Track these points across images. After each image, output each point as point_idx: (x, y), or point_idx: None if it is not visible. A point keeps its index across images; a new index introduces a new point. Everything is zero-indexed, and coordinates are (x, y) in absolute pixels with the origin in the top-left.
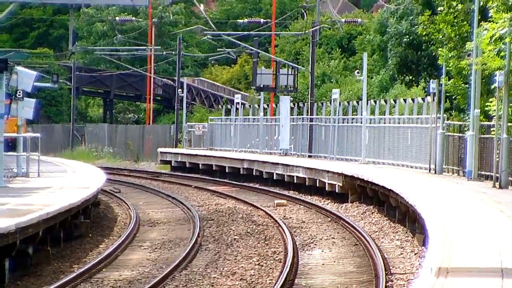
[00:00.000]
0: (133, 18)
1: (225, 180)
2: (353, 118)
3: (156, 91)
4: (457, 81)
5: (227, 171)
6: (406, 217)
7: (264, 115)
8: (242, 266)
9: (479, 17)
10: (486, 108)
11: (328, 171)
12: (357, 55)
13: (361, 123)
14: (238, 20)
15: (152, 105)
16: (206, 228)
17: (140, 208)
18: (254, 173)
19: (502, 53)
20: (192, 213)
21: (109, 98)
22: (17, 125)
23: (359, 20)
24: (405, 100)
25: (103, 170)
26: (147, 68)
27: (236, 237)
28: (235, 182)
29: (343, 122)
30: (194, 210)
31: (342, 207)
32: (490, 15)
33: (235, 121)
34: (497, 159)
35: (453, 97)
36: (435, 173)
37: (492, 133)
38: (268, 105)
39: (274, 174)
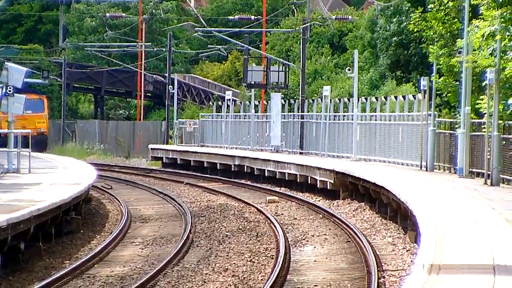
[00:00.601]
0: (124, 14)
1: (216, 177)
2: (344, 115)
3: (147, 88)
4: (448, 79)
5: (218, 167)
6: (398, 214)
7: (255, 112)
8: (234, 263)
9: (470, 15)
10: (477, 106)
11: (319, 168)
12: (348, 52)
13: (352, 120)
14: (229, 17)
15: (143, 102)
16: (197, 224)
17: (131, 204)
18: (245, 170)
19: (494, 52)
20: (184, 209)
21: (100, 94)
22: (8, 121)
23: (350, 17)
24: (396, 97)
25: (94, 167)
26: (138, 65)
27: (228, 233)
28: (226, 179)
29: (334, 119)
30: (185, 206)
31: (333, 203)
32: (480, 12)
33: (226, 118)
34: (488, 157)
35: (444, 94)
36: (426, 170)
37: (483, 130)
38: (259, 102)
39: (266, 170)
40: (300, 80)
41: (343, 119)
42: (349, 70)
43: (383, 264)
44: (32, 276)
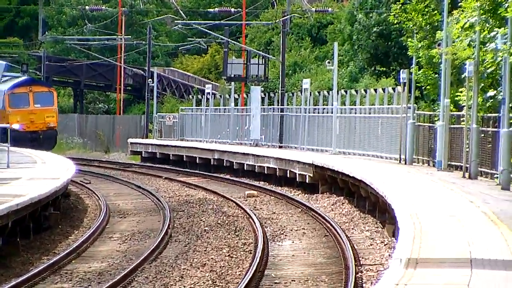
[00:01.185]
0: (103, 7)
1: (196, 171)
2: (324, 108)
3: (127, 81)
4: (427, 71)
5: (197, 161)
6: (377, 207)
7: (235, 105)
8: (212, 258)
9: (450, 6)
10: (456, 98)
11: (298, 162)
12: (328, 45)
13: (332, 113)
14: (209, 10)
15: (123, 95)
16: (176, 219)
17: (110, 199)
18: (224, 164)
19: (473, 43)
20: (163, 204)
21: (79, 88)
22: None
23: (330, 9)
24: (375, 90)
25: (73, 161)
26: (118, 58)
27: (206, 228)
28: (206, 173)
29: (313, 112)
30: (164, 201)
31: (312, 197)
32: (460, 3)
33: (205, 112)
34: (467, 150)
35: (423, 87)
36: (405, 163)
37: (462, 123)
38: (239, 95)
39: (245, 164)
40: (280, 73)
41: (323, 112)
42: (329, 62)
43: (361, 258)
44: (10, 272)
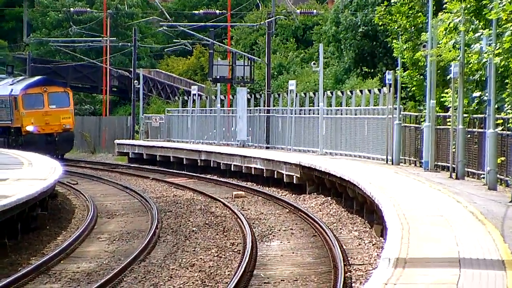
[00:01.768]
0: (88, 9)
1: (183, 172)
2: (310, 109)
3: (112, 83)
4: (413, 72)
5: (184, 162)
6: (364, 208)
7: (221, 107)
8: (201, 258)
9: (434, 8)
10: (442, 99)
11: (285, 162)
12: (313, 46)
13: (318, 114)
14: (194, 12)
15: (109, 97)
16: (164, 220)
17: (97, 200)
18: (211, 165)
19: (457, 45)
20: (150, 204)
21: None
22: None
23: (315, 11)
24: (361, 91)
25: (60, 162)
26: (103, 60)
27: (194, 228)
28: (193, 174)
29: (300, 114)
30: (152, 201)
31: (300, 198)
32: (444, 5)
33: (192, 113)
34: (454, 150)
35: (409, 88)
36: (392, 164)
37: (448, 124)
38: (225, 97)
39: (232, 165)
40: (266, 74)
41: (309, 113)
42: (314, 64)
43: (349, 258)
44: None
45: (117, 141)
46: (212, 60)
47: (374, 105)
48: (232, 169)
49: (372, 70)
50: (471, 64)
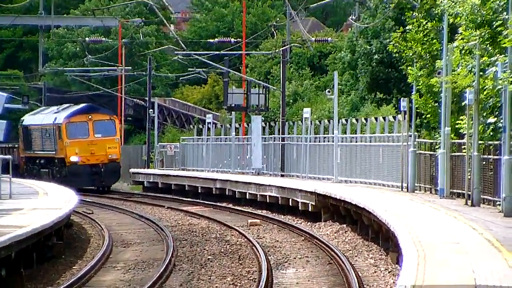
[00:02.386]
0: (104, 38)
1: (198, 200)
2: (324, 137)
3: (127, 112)
4: (428, 99)
5: (199, 191)
6: (380, 235)
7: (236, 135)
8: (216, 286)
9: (449, 36)
10: (457, 126)
11: (300, 190)
12: (328, 75)
13: (333, 142)
14: (209, 40)
15: (124, 126)
16: (179, 248)
17: (113, 229)
18: (227, 193)
19: (473, 69)
20: (166, 233)
21: None
22: None
23: (330, 39)
24: (376, 119)
25: (75, 191)
26: (118, 89)
27: (210, 257)
28: (208, 202)
29: (315, 141)
30: (167, 230)
31: (315, 226)
32: (460, 32)
33: (207, 141)
34: (469, 177)
35: (424, 116)
36: (407, 191)
37: (464, 151)
38: (239, 125)
39: (247, 193)
40: (281, 102)
41: (324, 141)
42: (329, 92)
43: (365, 285)
44: None
45: (132, 170)
46: (227, 88)
47: (389, 133)
48: (247, 197)
49: (386, 97)
50: (486, 90)
